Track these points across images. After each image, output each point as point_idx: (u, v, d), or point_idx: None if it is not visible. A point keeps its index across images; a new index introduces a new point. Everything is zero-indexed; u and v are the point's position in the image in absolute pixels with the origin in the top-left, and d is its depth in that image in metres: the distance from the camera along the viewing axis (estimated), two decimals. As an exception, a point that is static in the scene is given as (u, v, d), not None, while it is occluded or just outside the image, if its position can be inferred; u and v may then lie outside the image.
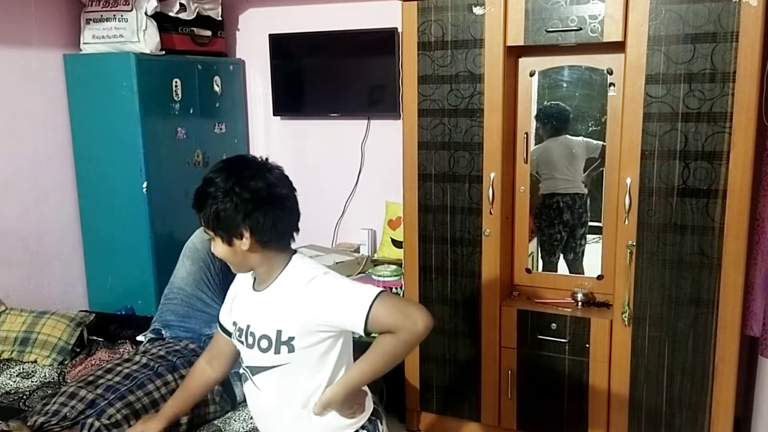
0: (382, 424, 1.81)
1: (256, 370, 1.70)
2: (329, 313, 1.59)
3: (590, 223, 3.05)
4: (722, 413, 2.64)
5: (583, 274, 3.09)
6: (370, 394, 1.81)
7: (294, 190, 1.69)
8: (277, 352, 1.63)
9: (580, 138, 3.01)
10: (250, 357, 1.71)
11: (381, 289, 1.59)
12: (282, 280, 1.66)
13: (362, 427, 1.74)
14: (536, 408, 2.96)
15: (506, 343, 2.96)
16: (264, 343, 1.65)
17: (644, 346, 2.72)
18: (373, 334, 1.61)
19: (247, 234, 1.60)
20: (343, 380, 1.65)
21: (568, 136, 3.05)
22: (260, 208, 1.59)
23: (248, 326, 1.70)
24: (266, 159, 1.70)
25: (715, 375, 2.62)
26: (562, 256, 3.16)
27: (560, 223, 3.12)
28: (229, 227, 1.61)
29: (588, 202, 3.08)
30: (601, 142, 2.90)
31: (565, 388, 2.88)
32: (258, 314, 1.69)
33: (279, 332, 1.62)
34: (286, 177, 1.69)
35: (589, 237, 3.07)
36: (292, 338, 1.61)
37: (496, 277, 2.94)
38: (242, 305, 1.76)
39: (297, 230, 1.70)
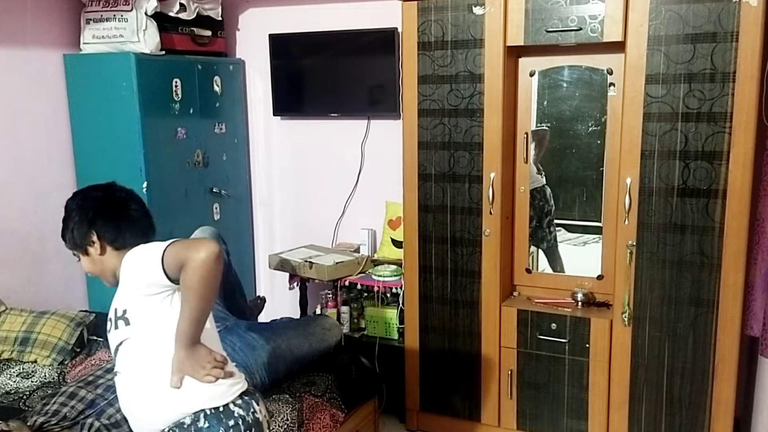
0: (258, 404, 1.81)
1: (114, 354, 1.79)
2: (137, 271, 1.68)
3: (590, 223, 3.05)
4: (722, 413, 2.64)
5: (561, 261, 3.10)
6: (241, 375, 1.81)
7: (137, 199, 1.89)
8: (116, 327, 1.74)
9: None
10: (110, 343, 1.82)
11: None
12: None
13: (233, 403, 1.75)
14: (536, 408, 2.96)
15: (506, 343, 2.96)
16: (109, 325, 1.79)
17: (644, 346, 2.72)
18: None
19: (94, 238, 1.79)
20: (176, 338, 1.67)
21: None
22: (101, 212, 1.80)
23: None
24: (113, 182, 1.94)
25: (715, 375, 2.62)
26: (537, 249, 3.15)
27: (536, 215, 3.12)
28: (82, 238, 1.81)
29: (548, 191, 3.10)
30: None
31: (565, 388, 2.88)
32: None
33: (116, 310, 1.75)
34: (131, 191, 1.91)
35: (588, 237, 3.06)
36: (125, 311, 1.71)
37: (496, 277, 2.94)
38: None
39: (147, 231, 1.86)
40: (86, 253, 1.83)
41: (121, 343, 1.75)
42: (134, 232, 1.82)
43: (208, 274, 1.59)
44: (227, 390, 1.74)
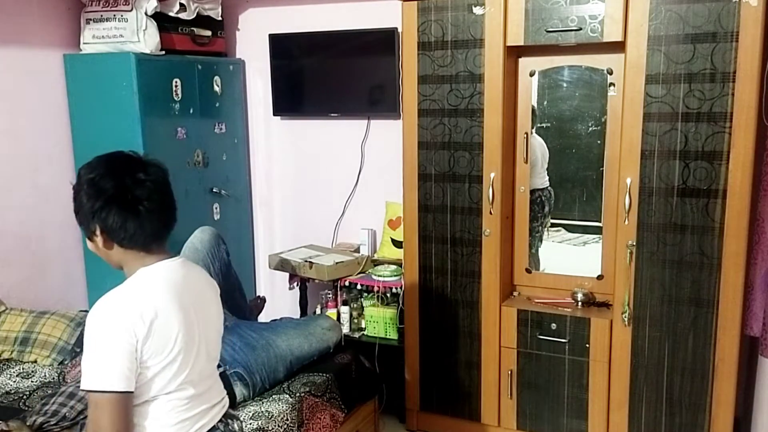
0: None
1: None
2: None
3: (590, 223, 3.05)
4: (722, 413, 2.64)
5: (539, 261, 3.11)
6: (209, 413, 1.67)
7: (160, 192, 1.65)
8: None
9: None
10: None
11: (104, 388, 1.45)
12: None
13: None
14: (536, 408, 2.96)
15: (506, 343, 2.96)
16: None
17: (644, 346, 2.72)
18: None
19: (98, 232, 1.59)
20: None
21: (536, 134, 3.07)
22: (107, 207, 1.56)
23: None
24: (141, 156, 1.68)
25: (715, 375, 2.62)
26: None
27: (542, 215, 3.13)
28: (83, 222, 1.61)
29: (552, 194, 3.12)
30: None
31: (565, 388, 2.88)
32: None
33: None
34: (154, 180, 1.64)
35: (588, 237, 3.07)
36: None
37: (496, 277, 2.94)
38: None
39: (161, 234, 1.65)
40: (90, 239, 1.64)
41: None
42: (138, 229, 1.59)
43: None
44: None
